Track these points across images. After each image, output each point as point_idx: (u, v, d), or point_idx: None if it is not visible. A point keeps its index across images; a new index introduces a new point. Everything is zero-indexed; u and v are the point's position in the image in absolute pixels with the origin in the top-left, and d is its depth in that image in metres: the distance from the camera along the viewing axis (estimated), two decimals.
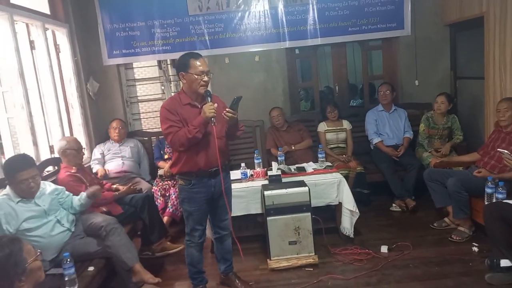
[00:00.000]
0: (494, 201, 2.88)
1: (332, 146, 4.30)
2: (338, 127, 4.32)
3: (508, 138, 3.16)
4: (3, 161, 2.63)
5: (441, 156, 3.92)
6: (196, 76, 2.39)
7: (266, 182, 3.32)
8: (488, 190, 2.94)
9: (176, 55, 4.45)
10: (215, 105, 2.36)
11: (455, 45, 4.63)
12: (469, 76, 4.48)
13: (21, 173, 2.41)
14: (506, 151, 2.57)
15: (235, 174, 3.49)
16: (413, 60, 4.63)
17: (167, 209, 3.80)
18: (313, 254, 3.06)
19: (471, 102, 4.46)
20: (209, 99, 2.39)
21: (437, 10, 4.54)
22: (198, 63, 2.40)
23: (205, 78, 2.41)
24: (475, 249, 3.06)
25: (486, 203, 2.92)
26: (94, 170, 3.89)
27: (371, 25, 4.50)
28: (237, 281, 2.82)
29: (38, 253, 1.39)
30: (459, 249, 3.10)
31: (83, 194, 2.80)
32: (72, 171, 3.12)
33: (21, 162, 2.47)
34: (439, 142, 4.09)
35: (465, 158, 3.63)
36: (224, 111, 2.37)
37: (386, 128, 4.32)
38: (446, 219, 3.49)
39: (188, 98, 2.47)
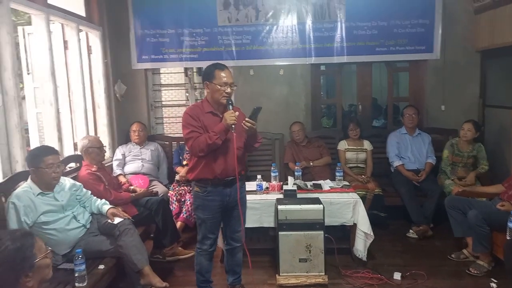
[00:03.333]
0: None
1: (351, 165, 4.25)
2: (359, 147, 4.27)
3: None
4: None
5: (465, 185, 3.80)
6: (219, 87, 2.44)
7: (281, 196, 3.30)
8: (510, 225, 2.82)
9: (203, 64, 4.56)
10: (236, 113, 2.39)
11: (485, 72, 4.52)
12: (498, 104, 4.36)
13: (48, 157, 2.51)
14: None
15: (250, 186, 3.49)
16: (440, 84, 4.55)
17: (181, 215, 3.82)
18: (323, 273, 3.00)
19: (499, 131, 4.33)
20: (230, 107, 2.42)
21: (468, 36, 4.46)
22: (222, 74, 2.44)
23: (228, 90, 2.45)
24: (494, 285, 2.92)
25: (508, 238, 2.81)
26: (116, 173, 3.96)
27: (399, 46, 4.47)
28: None
29: (49, 251, 1.41)
30: (477, 283, 2.98)
31: (105, 208, 2.85)
32: (93, 169, 3.20)
33: (47, 148, 2.62)
34: (462, 170, 3.98)
35: (489, 189, 3.50)
36: (244, 121, 2.39)
37: (408, 151, 4.23)
38: (464, 250, 3.37)
39: (210, 106, 2.52)
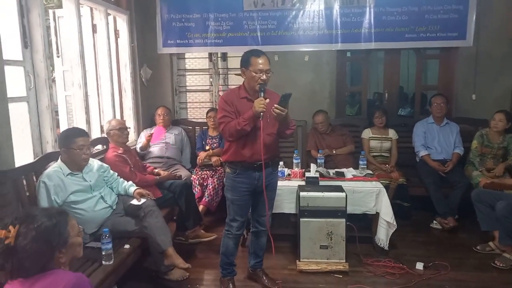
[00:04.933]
0: None
1: (375, 154, 4.19)
2: (384, 136, 4.20)
3: None
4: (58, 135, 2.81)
5: (493, 177, 3.69)
6: (255, 74, 2.43)
7: (303, 183, 3.30)
8: None
9: (227, 49, 4.56)
10: (267, 100, 2.38)
11: None
12: None
13: (79, 138, 2.59)
14: None
15: None
16: (472, 73, 4.40)
17: (204, 198, 3.88)
18: (344, 261, 3.00)
19: None
20: (262, 94, 2.42)
21: (503, 24, 4.26)
22: (259, 60, 2.44)
23: (263, 77, 2.44)
24: None
25: None
26: (139, 146, 4.04)
27: (430, 33, 4.31)
28: (264, 278, 2.84)
29: (81, 230, 1.46)
30: (502, 276, 2.91)
31: (132, 189, 2.94)
32: (119, 151, 3.28)
33: (79, 130, 2.72)
34: (491, 162, 3.86)
35: None
36: (272, 108, 2.37)
37: (435, 141, 4.13)
38: (490, 243, 3.29)
39: (246, 92, 2.54)
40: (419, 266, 3.03)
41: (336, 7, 4.32)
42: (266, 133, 2.46)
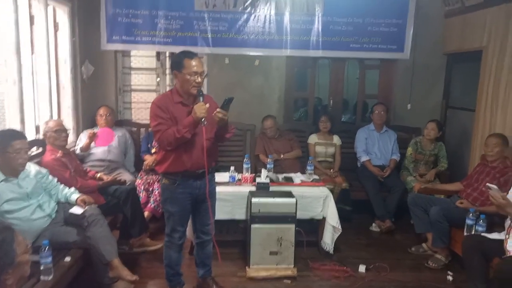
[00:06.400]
0: (473, 233, 2.95)
1: (320, 159, 4.33)
2: (328, 141, 4.35)
3: (493, 172, 3.24)
4: None
5: (425, 182, 3.99)
6: (189, 77, 2.34)
7: (254, 188, 3.31)
8: (468, 222, 3.00)
9: (176, 49, 4.37)
10: (207, 105, 2.31)
11: (450, 74, 4.73)
12: (460, 106, 4.59)
13: (16, 141, 2.37)
14: (495, 186, 2.63)
15: (223, 177, 3.47)
16: (408, 84, 4.71)
17: (149, 204, 3.75)
18: (293, 266, 3.06)
19: (459, 132, 4.57)
20: (201, 99, 2.34)
21: (438, 39, 4.63)
22: (193, 63, 2.34)
23: (198, 79, 2.35)
24: (450, 278, 3.12)
25: (465, 234, 2.99)
26: (80, 145, 3.80)
27: (372, 44, 4.54)
28: (215, 286, 2.80)
29: (29, 246, 1.33)
30: (435, 276, 3.16)
31: (74, 196, 2.75)
32: (58, 155, 3.05)
33: (15, 132, 2.48)
34: (424, 168, 4.17)
35: (448, 186, 3.70)
36: (215, 112, 2.32)
37: (375, 147, 4.37)
38: (424, 244, 3.56)
39: (180, 96, 2.42)
40: (362, 268, 3.19)
41: (287, 13, 4.38)
42: (206, 138, 2.38)
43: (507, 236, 2.61)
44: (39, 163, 2.90)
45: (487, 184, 2.73)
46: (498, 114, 3.68)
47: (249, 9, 4.34)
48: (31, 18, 3.26)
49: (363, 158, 4.29)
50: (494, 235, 2.76)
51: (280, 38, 4.42)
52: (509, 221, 2.63)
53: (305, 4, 4.38)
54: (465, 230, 3.03)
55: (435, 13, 4.56)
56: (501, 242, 2.63)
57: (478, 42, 3.97)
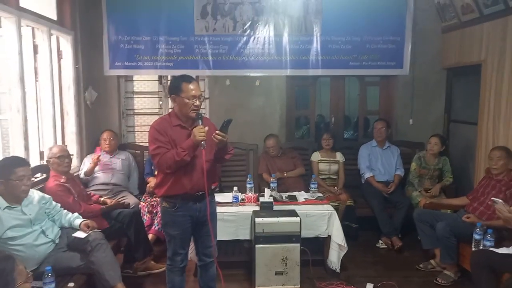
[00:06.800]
0: (481, 248, 2.90)
1: (323, 176, 4.31)
2: (331, 159, 4.35)
3: (499, 185, 3.21)
4: None
5: (431, 197, 3.95)
6: (187, 101, 2.36)
7: (257, 208, 3.29)
8: (476, 237, 2.96)
9: (178, 72, 4.46)
10: (206, 128, 2.33)
11: (451, 89, 4.74)
12: (463, 120, 4.58)
13: (19, 168, 2.39)
14: (500, 200, 2.60)
15: (226, 197, 3.47)
16: (409, 99, 4.73)
17: (153, 227, 3.73)
18: (299, 286, 3.02)
19: (463, 146, 4.55)
20: (200, 122, 2.36)
21: (437, 54, 4.67)
22: (191, 86, 2.36)
23: (197, 103, 2.38)
24: None
25: (473, 249, 2.94)
26: (84, 169, 3.83)
27: (371, 61, 4.60)
28: None
29: (30, 275, 1.33)
30: None
31: (77, 221, 2.75)
32: (62, 180, 3.07)
33: (18, 159, 2.50)
34: (429, 183, 4.13)
35: (454, 201, 3.66)
36: (214, 134, 2.33)
37: (378, 163, 4.35)
38: (432, 261, 3.49)
39: (178, 119, 2.44)
40: (369, 287, 3.13)
41: (285, 35, 4.46)
42: (206, 160, 2.38)
43: None
44: (43, 189, 2.92)
45: (492, 198, 2.71)
46: (501, 126, 3.66)
47: (248, 31, 4.43)
48: (35, 48, 3.35)
49: (367, 174, 4.27)
50: (503, 250, 2.72)
51: (280, 58, 4.49)
52: None
53: (303, 25, 4.47)
54: (473, 245, 2.98)
55: (432, 28, 4.62)
56: (510, 257, 2.59)
57: (477, 56, 3.99)
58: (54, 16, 3.60)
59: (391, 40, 4.58)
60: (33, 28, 3.33)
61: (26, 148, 3.11)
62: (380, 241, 4.01)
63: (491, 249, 2.79)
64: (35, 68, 3.36)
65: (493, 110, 3.77)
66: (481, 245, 2.92)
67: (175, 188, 2.40)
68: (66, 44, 3.81)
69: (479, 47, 3.95)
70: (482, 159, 3.89)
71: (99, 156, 3.85)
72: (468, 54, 4.14)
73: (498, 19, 3.66)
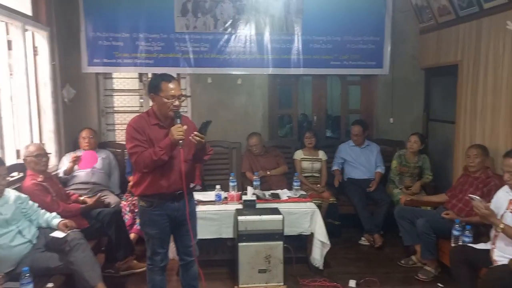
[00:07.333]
0: (460, 244, 2.96)
1: (306, 174, 4.33)
2: (314, 157, 4.37)
3: (476, 183, 3.28)
4: None
5: (411, 194, 4.01)
6: (166, 100, 2.32)
7: (240, 206, 3.28)
8: (455, 233, 3.02)
9: (158, 70, 4.43)
10: (184, 127, 2.29)
11: (429, 88, 4.84)
12: (441, 119, 4.68)
13: None
14: (477, 197, 2.66)
15: (209, 196, 3.44)
16: (389, 98, 4.80)
17: (135, 226, 3.67)
18: (282, 284, 3.02)
19: (441, 144, 4.64)
20: (178, 120, 2.31)
21: (415, 54, 4.76)
22: (170, 86, 2.32)
23: (176, 103, 2.34)
24: None
25: (452, 245, 3.00)
26: (64, 168, 3.73)
27: (352, 61, 4.65)
28: None
29: (1, 276, 1.28)
30: None
31: (55, 220, 2.68)
32: (39, 179, 2.98)
33: None
34: (409, 180, 4.20)
35: (434, 198, 3.73)
36: (192, 135, 2.29)
37: (358, 162, 4.40)
38: (413, 257, 3.55)
39: (156, 118, 2.40)
40: (352, 283, 3.16)
41: (267, 33, 4.47)
42: (184, 160, 2.34)
43: (493, 246, 2.64)
44: (19, 188, 2.83)
45: (470, 195, 2.77)
46: (477, 125, 3.76)
47: (229, 30, 4.41)
48: (9, 43, 3.24)
49: (334, 167, 4.42)
50: (481, 245, 2.79)
51: (262, 57, 4.49)
52: (494, 231, 2.65)
53: (284, 24, 4.49)
54: (452, 241, 3.04)
55: (411, 29, 4.71)
56: (487, 252, 2.66)
57: (453, 56, 4.09)
58: (29, 12, 3.49)
59: (371, 40, 4.65)
60: (6, 24, 3.22)
61: (1, 146, 3.01)
62: (363, 238, 4.06)
63: (469, 244, 2.85)
64: (9, 65, 3.24)
65: (470, 109, 3.86)
66: (460, 241, 2.98)
67: (152, 188, 2.37)
68: (42, 40, 3.70)
69: (455, 48, 4.04)
70: (460, 157, 3.97)
71: (78, 155, 3.76)
72: (445, 54, 4.24)
73: (473, 21, 3.76)
